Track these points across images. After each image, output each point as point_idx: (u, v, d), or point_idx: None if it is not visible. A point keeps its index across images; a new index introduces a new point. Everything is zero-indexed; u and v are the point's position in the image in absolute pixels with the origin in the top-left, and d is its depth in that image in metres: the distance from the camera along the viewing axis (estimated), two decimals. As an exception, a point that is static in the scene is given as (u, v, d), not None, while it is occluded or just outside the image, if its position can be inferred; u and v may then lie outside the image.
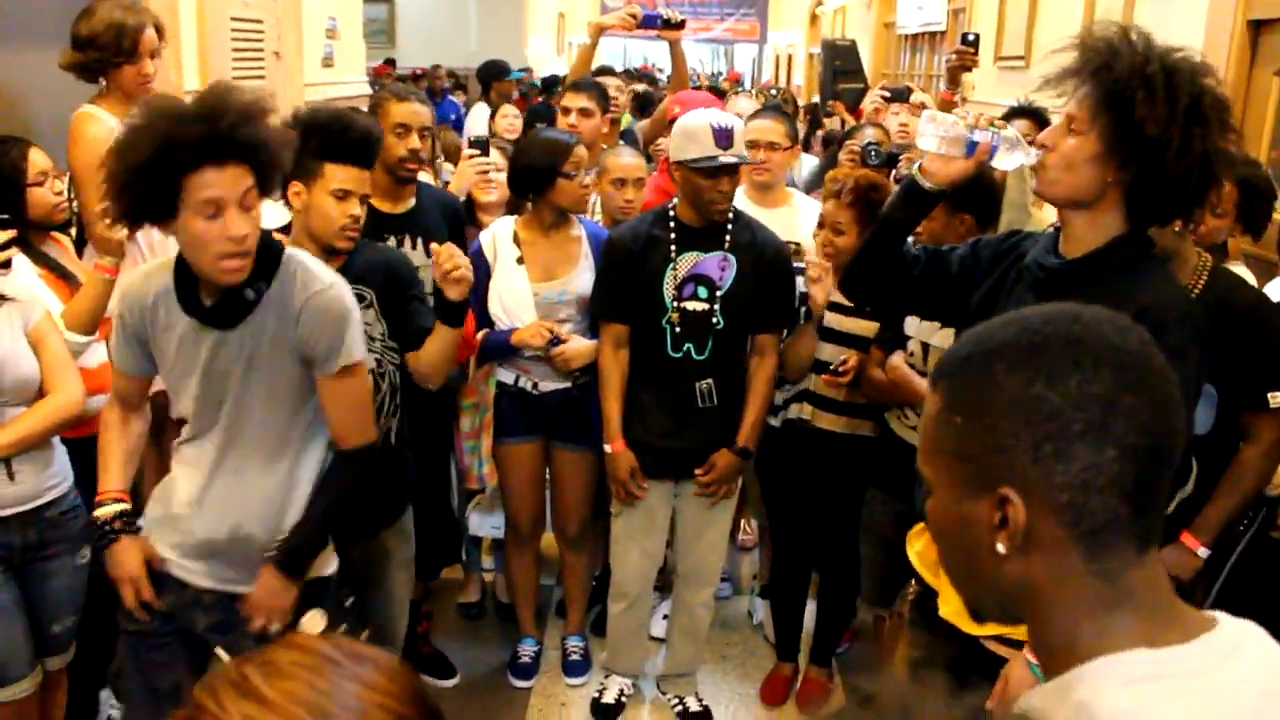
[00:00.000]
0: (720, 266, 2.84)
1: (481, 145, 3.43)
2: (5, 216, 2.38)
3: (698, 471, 2.91)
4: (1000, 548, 0.91)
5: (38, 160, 2.65)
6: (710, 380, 2.85)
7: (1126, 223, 1.80)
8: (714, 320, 2.83)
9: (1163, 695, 0.84)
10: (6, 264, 2.33)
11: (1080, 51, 1.77)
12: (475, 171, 3.40)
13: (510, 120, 5.17)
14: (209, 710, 0.70)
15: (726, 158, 2.72)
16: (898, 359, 2.75)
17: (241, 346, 2.03)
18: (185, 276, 2.01)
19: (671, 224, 2.86)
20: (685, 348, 2.85)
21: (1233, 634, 0.90)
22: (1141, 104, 1.66)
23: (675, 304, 2.83)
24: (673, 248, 2.84)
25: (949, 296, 2.07)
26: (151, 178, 1.81)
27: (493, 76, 7.93)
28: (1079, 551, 0.89)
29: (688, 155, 2.75)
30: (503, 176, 3.36)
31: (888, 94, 4.89)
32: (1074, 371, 0.88)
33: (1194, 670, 0.86)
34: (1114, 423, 0.87)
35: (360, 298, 2.36)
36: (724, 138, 2.72)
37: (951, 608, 1.92)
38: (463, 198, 3.36)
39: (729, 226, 2.86)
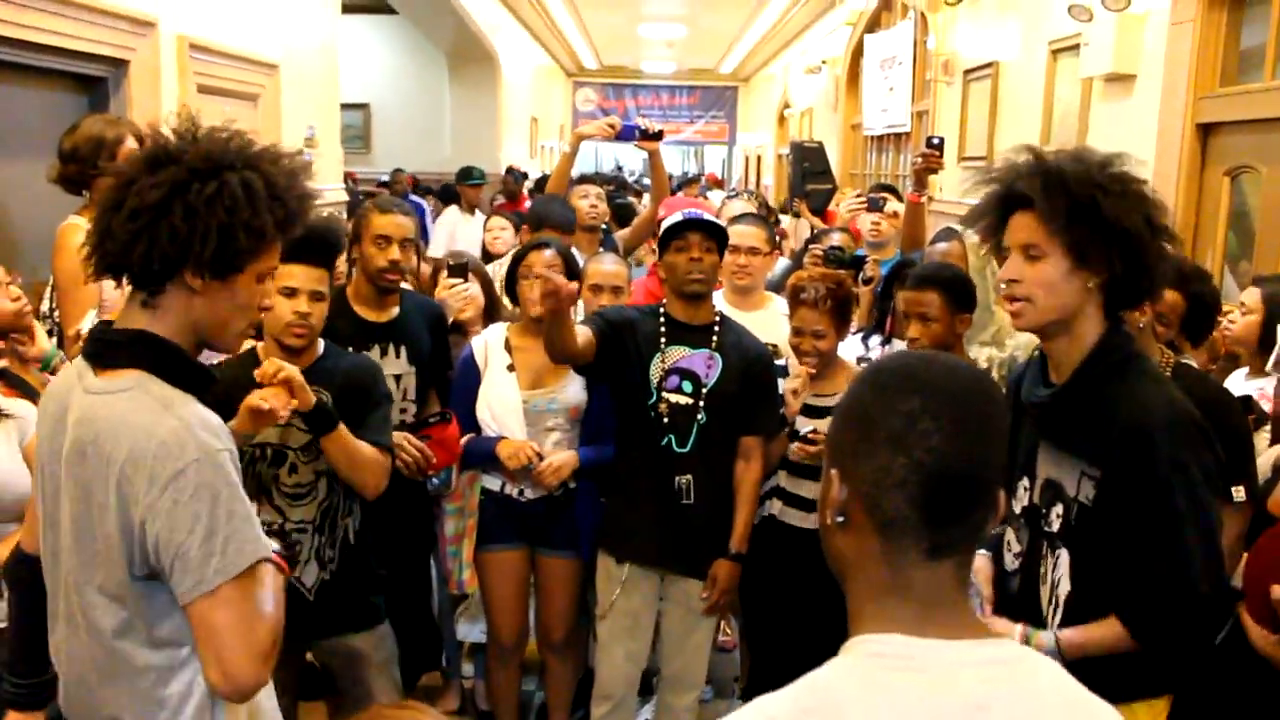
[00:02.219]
0: (706, 364, 2.89)
1: (460, 271, 3.45)
2: None
3: (701, 594, 2.91)
4: (827, 519, 1.10)
5: None
6: (690, 476, 2.85)
7: (1104, 322, 1.83)
8: (699, 416, 2.86)
9: (882, 673, 0.99)
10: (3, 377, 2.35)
11: (1005, 178, 1.85)
12: (456, 298, 3.41)
13: (496, 234, 5.15)
14: None
15: (696, 229, 2.84)
16: None
17: None
18: (192, 368, 1.65)
19: (662, 318, 2.93)
20: (667, 439, 2.86)
21: (1014, 652, 1.05)
22: (1107, 203, 1.74)
23: (660, 393, 2.87)
24: (663, 339, 2.90)
25: None
26: (245, 248, 1.58)
27: (459, 181, 8.14)
28: (877, 539, 1.06)
29: (666, 239, 2.89)
30: (478, 293, 3.45)
31: (864, 202, 5.02)
32: (894, 394, 1.06)
33: (929, 663, 1.00)
34: (909, 438, 1.03)
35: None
36: (694, 212, 2.88)
37: None
38: (451, 319, 3.37)
39: (715, 327, 2.93)
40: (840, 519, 1.08)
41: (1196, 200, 4.00)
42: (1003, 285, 1.87)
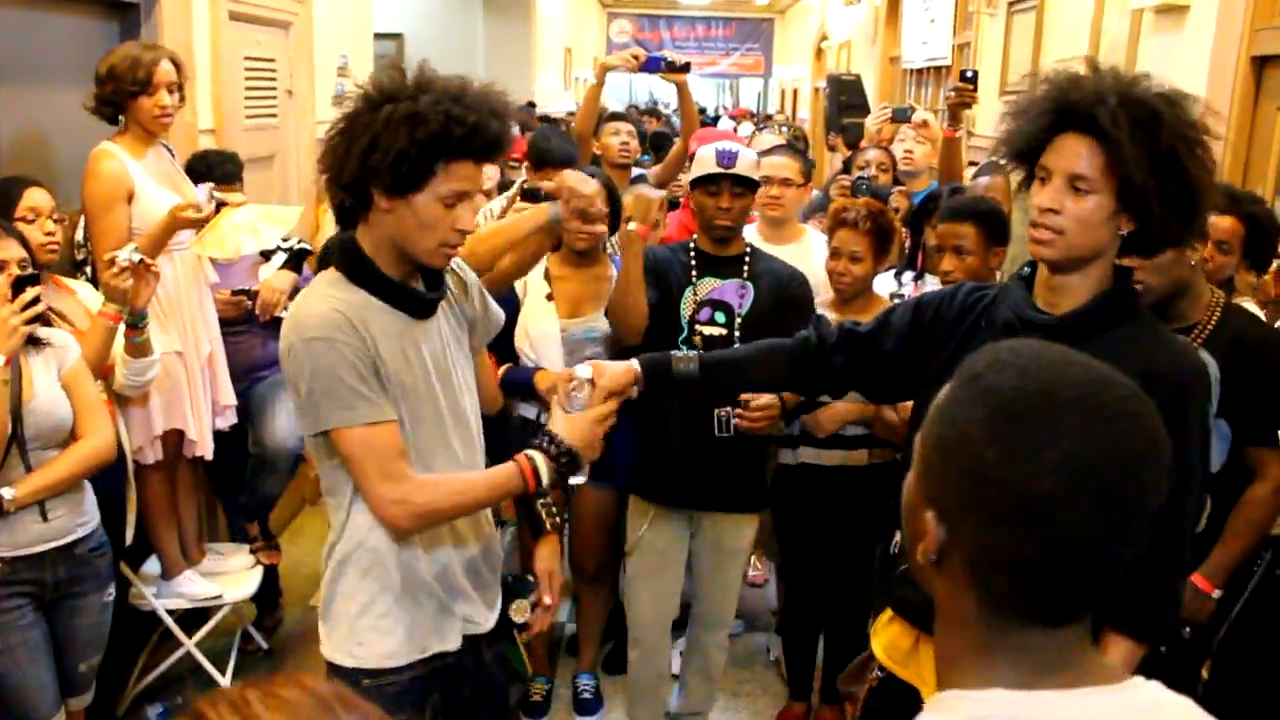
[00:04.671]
0: (739, 293, 2.87)
1: (533, 195, 3.38)
2: (33, 272, 2.41)
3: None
4: (918, 555, 0.93)
5: (33, 197, 2.68)
6: (729, 408, 2.81)
7: (1112, 270, 1.74)
8: (733, 346, 2.81)
9: None
10: (41, 316, 2.36)
11: (1067, 95, 1.66)
12: None
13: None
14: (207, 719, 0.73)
15: (724, 175, 2.81)
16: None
17: (440, 332, 1.95)
18: (377, 276, 1.85)
19: (692, 252, 2.92)
20: None
21: (1142, 696, 0.88)
22: (1190, 162, 1.60)
23: (693, 327, 2.85)
24: (693, 272, 2.89)
25: (891, 373, 2.00)
26: (417, 152, 1.73)
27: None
28: (975, 597, 0.89)
29: (694, 176, 2.89)
30: None
31: (890, 113, 4.93)
32: (1023, 448, 0.84)
33: (1040, 715, 0.85)
34: (1041, 520, 0.83)
35: None
36: (726, 158, 2.83)
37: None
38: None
39: (746, 257, 2.91)
40: (935, 559, 0.91)
41: (1249, 135, 3.89)
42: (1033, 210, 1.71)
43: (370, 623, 1.91)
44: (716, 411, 2.83)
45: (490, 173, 4.05)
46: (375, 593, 1.91)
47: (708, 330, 2.85)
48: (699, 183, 2.87)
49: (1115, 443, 0.84)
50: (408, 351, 1.85)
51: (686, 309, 2.87)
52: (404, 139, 1.72)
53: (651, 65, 4.33)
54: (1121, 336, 1.67)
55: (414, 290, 1.89)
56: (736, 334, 2.84)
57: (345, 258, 1.86)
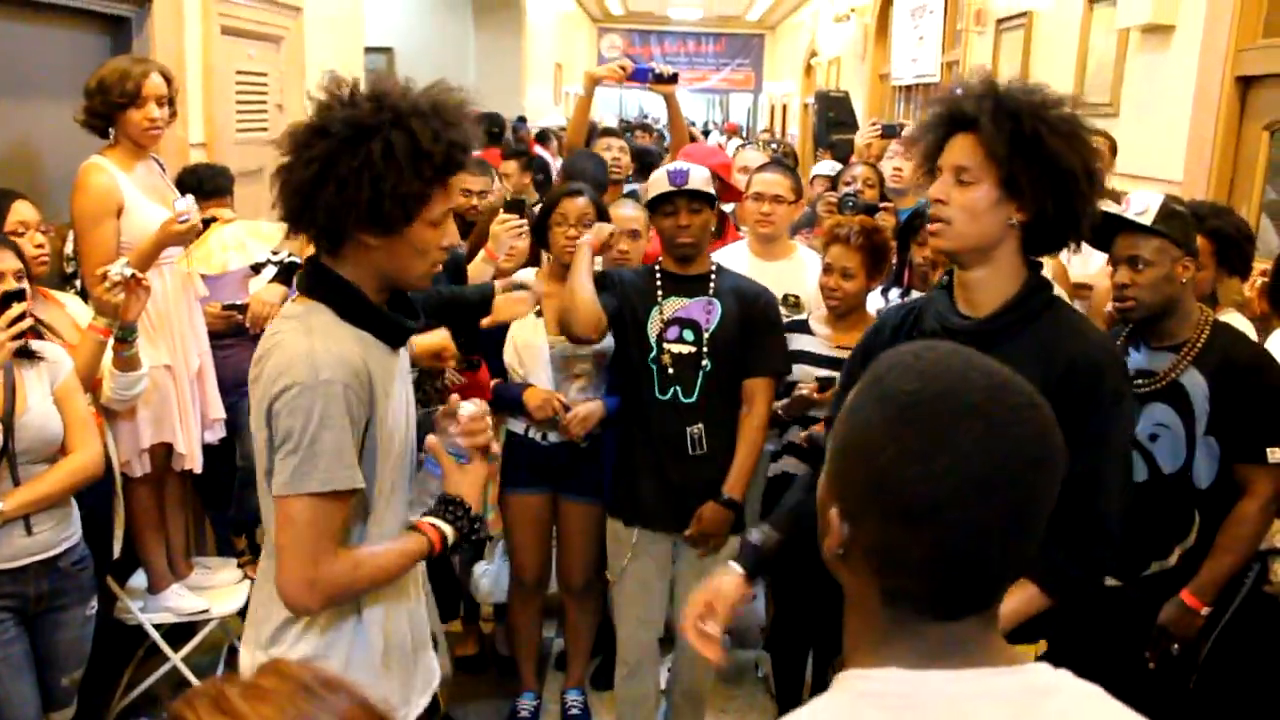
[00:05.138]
0: (705, 310, 2.88)
1: (517, 207, 3.38)
2: (19, 288, 2.40)
3: (688, 531, 2.88)
4: (824, 551, 0.96)
5: (20, 211, 2.68)
6: (700, 425, 2.84)
7: (1024, 265, 1.83)
8: (702, 363, 2.84)
9: (874, 713, 0.87)
10: (33, 329, 2.36)
11: (957, 100, 1.80)
12: (510, 233, 3.30)
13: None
14: None
15: (677, 190, 2.81)
16: None
17: (404, 360, 1.85)
18: (371, 310, 1.72)
19: (658, 273, 2.93)
20: (672, 390, 2.85)
21: (1041, 679, 0.90)
22: (1051, 140, 1.71)
23: (661, 345, 2.85)
24: (659, 292, 2.90)
25: None
26: (421, 186, 1.62)
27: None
28: (877, 587, 0.92)
29: (649, 198, 2.91)
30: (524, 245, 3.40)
31: (880, 128, 4.95)
32: (917, 446, 0.86)
33: (928, 700, 0.87)
34: (931, 519, 0.85)
35: None
36: (678, 176, 2.82)
37: None
38: (502, 257, 3.31)
39: (711, 275, 2.92)
40: (841, 553, 0.94)
41: (1234, 155, 3.92)
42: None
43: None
44: (688, 430, 2.84)
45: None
46: (344, 663, 1.73)
47: (676, 349, 2.86)
48: (655, 204, 2.88)
49: (1010, 448, 0.86)
50: (390, 386, 1.73)
51: (654, 328, 2.87)
52: (409, 177, 1.59)
53: (639, 76, 4.32)
54: (1042, 331, 1.78)
55: (400, 320, 1.76)
56: (705, 349, 2.84)
57: (334, 292, 1.69)
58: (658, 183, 2.89)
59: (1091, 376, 1.74)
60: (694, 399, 2.85)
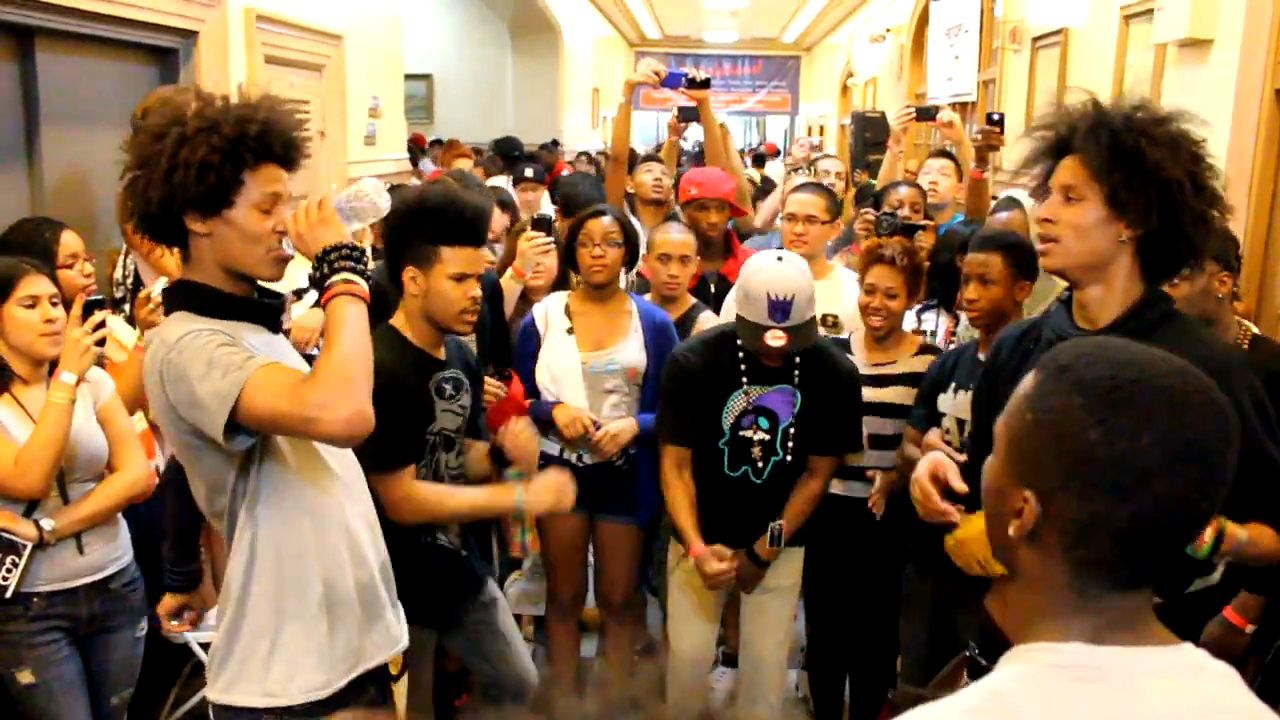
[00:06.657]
0: (788, 402, 2.79)
1: (545, 225, 3.40)
2: (100, 297, 2.49)
3: (719, 564, 2.81)
4: (1010, 531, 1.02)
5: (69, 243, 2.76)
6: (783, 523, 2.81)
7: (1142, 282, 1.80)
8: (775, 452, 2.80)
9: (1064, 684, 0.95)
10: (102, 341, 2.43)
11: (1058, 124, 1.81)
12: (538, 252, 3.38)
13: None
14: None
15: (773, 337, 2.61)
16: (934, 436, 2.75)
17: (287, 345, 2.07)
18: (226, 297, 1.86)
19: (741, 354, 2.76)
20: (743, 469, 2.82)
21: (1194, 658, 0.98)
22: (1151, 152, 1.70)
23: (736, 433, 2.79)
24: (743, 379, 2.77)
25: None
26: (219, 158, 1.74)
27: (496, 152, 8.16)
28: (1065, 567, 1.00)
29: (743, 312, 2.69)
30: (553, 263, 3.43)
31: (914, 112, 4.89)
32: (1122, 425, 0.94)
33: (1109, 673, 0.95)
34: (1139, 491, 0.94)
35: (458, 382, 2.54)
36: (777, 311, 2.60)
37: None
38: (528, 274, 3.36)
39: (796, 360, 2.75)
40: (1030, 532, 1.01)
41: (1275, 169, 3.88)
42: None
43: (290, 653, 1.88)
44: (770, 526, 2.81)
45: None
46: (289, 615, 1.87)
47: (748, 434, 2.79)
48: (746, 322, 2.66)
49: (1202, 425, 0.96)
50: (271, 353, 1.83)
51: (729, 417, 2.79)
52: (204, 148, 1.71)
53: (672, 81, 4.31)
54: (1162, 341, 1.69)
55: (264, 300, 1.90)
56: (777, 441, 2.79)
57: (187, 294, 1.83)
58: (754, 300, 2.62)
59: (1217, 377, 1.67)
60: (763, 480, 2.82)
